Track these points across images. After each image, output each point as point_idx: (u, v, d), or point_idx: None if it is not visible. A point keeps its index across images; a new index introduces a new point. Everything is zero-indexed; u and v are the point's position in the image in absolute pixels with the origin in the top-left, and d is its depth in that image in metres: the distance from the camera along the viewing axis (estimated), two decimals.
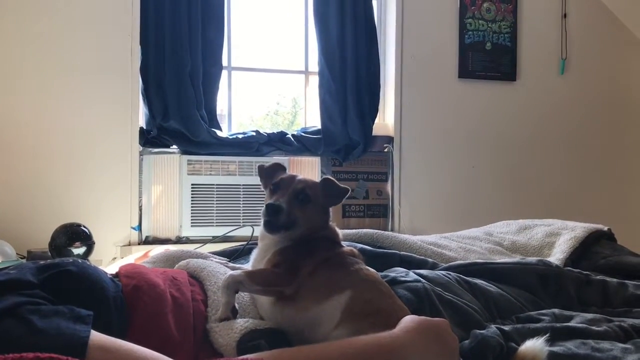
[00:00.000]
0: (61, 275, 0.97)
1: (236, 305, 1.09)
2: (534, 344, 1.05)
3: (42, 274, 0.96)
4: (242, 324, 1.04)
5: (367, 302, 1.04)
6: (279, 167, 1.28)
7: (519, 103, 4.09)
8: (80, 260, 1.06)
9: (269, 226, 1.13)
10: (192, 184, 3.35)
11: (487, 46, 3.99)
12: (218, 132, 3.44)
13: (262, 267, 1.14)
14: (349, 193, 1.22)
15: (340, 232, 1.24)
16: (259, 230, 1.22)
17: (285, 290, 1.06)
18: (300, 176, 1.21)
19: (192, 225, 3.35)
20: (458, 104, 3.97)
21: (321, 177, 3.67)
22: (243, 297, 1.17)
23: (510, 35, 4.03)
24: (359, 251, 1.23)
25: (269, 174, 1.26)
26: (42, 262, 1.02)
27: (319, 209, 1.19)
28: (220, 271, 1.22)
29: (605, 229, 1.96)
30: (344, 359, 0.85)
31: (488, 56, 3.99)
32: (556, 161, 4.17)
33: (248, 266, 1.51)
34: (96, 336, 0.85)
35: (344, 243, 1.26)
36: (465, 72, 3.96)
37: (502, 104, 4.06)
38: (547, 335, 1.08)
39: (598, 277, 1.58)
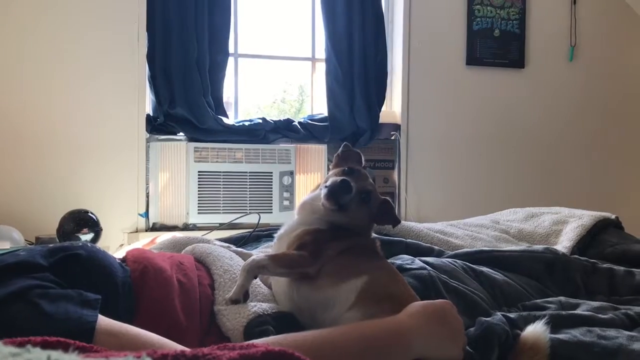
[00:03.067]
0: (71, 259, 0.98)
1: (249, 290, 1.10)
2: (535, 328, 1.06)
3: (52, 257, 0.97)
4: (250, 308, 1.04)
5: (381, 288, 1.06)
6: (358, 157, 1.31)
7: (527, 90, 4.06)
8: (89, 244, 1.07)
9: (331, 196, 1.12)
10: (198, 171, 3.35)
11: (496, 33, 3.95)
12: (224, 120, 3.44)
13: (289, 241, 1.15)
14: (399, 225, 1.31)
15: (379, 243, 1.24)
16: (297, 205, 1.26)
17: (309, 271, 1.07)
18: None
19: (199, 213, 3.36)
20: (466, 91, 3.95)
21: (328, 165, 3.67)
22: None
23: (518, 22, 4.00)
24: None
25: (346, 157, 1.29)
26: (51, 245, 1.03)
27: (367, 217, 1.20)
28: (226, 255, 1.23)
29: (613, 217, 1.95)
30: (349, 343, 0.86)
31: (496, 43, 3.95)
32: (564, 149, 4.14)
33: (260, 249, 1.52)
34: (103, 321, 0.86)
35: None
36: (473, 59, 3.93)
37: (510, 91, 4.03)
38: (547, 318, 1.09)
39: (605, 266, 1.57)
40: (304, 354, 0.70)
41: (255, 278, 1.11)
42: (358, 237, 1.18)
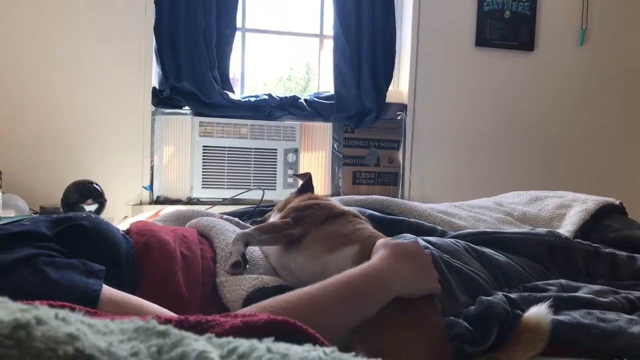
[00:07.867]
0: (75, 229, 0.99)
1: (246, 254, 1.14)
2: (538, 310, 1.06)
3: (56, 227, 0.97)
4: (250, 281, 1.05)
5: None
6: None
7: (536, 73, 4.02)
8: (93, 216, 1.08)
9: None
10: (203, 146, 3.35)
11: (506, 14, 3.90)
12: (230, 95, 3.42)
13: None
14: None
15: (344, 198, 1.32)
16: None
17: (293, 232, 1.14)
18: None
19: (203, 187, 3.36)
20: (474, 72, 3.92)
21: (332, 143, 3.67)
22: (253, 251, 1.21)
23: (530, 4, 3.94)
24: (367, 216, 1.25)
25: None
26: (55, 215, 1.04)
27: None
28: (230, 229, 1.24)
29: (617, 202, 1.94)
30: (335, 295, 0.91)
31: (506, 25, 3.91)
32: (572, 134, 4.12)
33: None
34: (107, 290, 0.87)
35: (351, 208, 1.32)
36: (483, 40, 3.89)
37: (519, 74, 3.99)
38: (551, 300, 1.09)
39: (607, 250, 1.57)
40: (297, 311, 0.78)
41: (247, 245, 1.16)
42: (334, 206, 1.24)
